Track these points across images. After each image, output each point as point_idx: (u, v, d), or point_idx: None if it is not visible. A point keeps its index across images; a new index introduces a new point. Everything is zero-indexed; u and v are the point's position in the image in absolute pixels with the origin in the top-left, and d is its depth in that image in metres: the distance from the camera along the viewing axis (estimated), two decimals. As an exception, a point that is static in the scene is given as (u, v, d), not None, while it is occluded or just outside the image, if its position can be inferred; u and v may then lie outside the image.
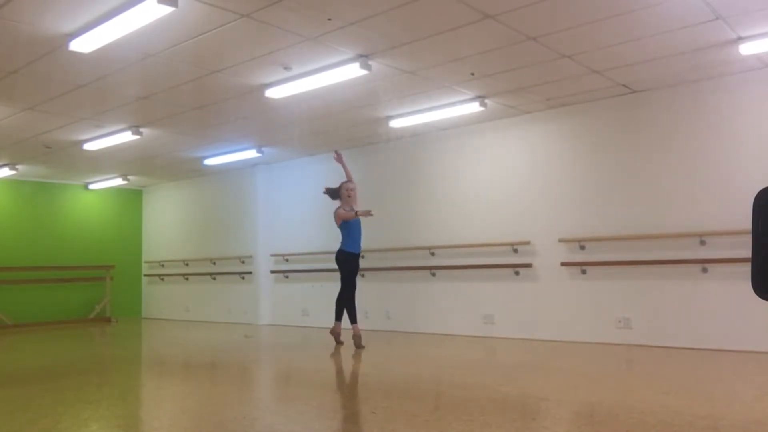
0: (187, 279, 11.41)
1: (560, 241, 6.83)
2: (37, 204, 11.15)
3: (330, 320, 7.03)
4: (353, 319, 6.71)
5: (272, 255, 9.98)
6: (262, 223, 10.18)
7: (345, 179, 6.94)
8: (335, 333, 6.88)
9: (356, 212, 6.62)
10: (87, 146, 8.27)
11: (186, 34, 4.75)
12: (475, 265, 7.49)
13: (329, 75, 5.58)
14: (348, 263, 6.71)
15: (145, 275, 12.44)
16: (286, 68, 5.56)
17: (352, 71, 5.43)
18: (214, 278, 10.84)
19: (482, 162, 7.60)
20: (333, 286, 6.86)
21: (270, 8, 4.32)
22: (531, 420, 3.52)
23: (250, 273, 10.20)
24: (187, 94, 6.26)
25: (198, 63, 5.40)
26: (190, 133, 7.98)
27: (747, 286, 2.33)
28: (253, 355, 6.78)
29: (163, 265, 12.01)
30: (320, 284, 7.33)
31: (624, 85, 6.22)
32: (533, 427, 3.33)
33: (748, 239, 2.14)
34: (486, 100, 6.60)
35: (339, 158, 6.94)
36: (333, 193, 6.91)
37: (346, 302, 6.72)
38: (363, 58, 5.29)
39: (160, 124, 7.48)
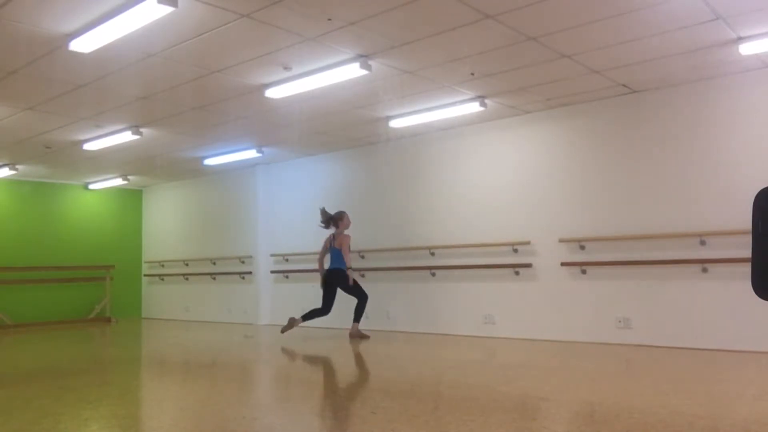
0: (187, 279, 11.41)
1: (560, 241, 6.83)
2: (37, 204, 11.14)
3: (332, 321, 7.02)
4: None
5: (272, 255, 9.98)
6: (262, 223, 10.17)
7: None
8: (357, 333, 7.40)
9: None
10: (87, 146, 8.27)
11: (186, 34, 4.75)
12: (475, 265, 7.48)
13: (329, 75, 5.57)
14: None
15: (145, 275, 12.44)
16: (286, 68, 5.55)
17: (352, 71, 5.43)
18: (214, 278, 10.84)
19: (482, 162, 7.59)
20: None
21: (270, 8, 4.32)
22: (531, 420, 3.52)
23: (250, 273, 10.20)
24: (187, 94, 6.26)
25: (198, 63, 5.40)
26: (190, 133, 7.98)
27: (747, 286, 2.33)
28: (253, 355, 6.79)
29: (163, 265, 12.01)
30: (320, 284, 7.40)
31: (624, 85, 6.22)
32: (533, 427, 3.33)
33: (748, 239, 2.15)
34: (486, 100, 6.60)
35: None
36: (336, 221, 7.53)
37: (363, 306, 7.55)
38: (363, 58, 5.29)
39: (160, 124, 7.47)
